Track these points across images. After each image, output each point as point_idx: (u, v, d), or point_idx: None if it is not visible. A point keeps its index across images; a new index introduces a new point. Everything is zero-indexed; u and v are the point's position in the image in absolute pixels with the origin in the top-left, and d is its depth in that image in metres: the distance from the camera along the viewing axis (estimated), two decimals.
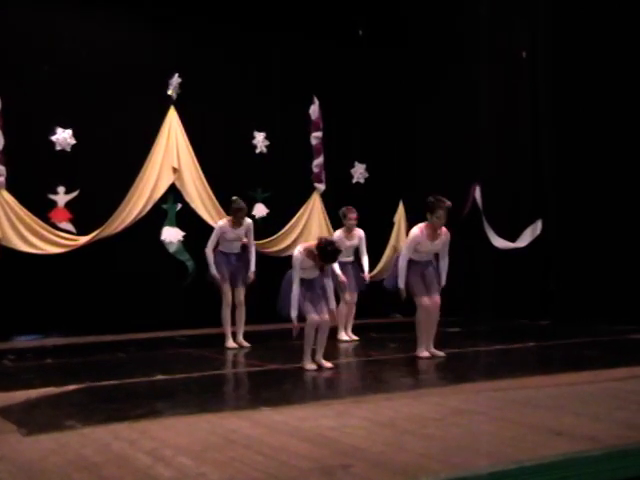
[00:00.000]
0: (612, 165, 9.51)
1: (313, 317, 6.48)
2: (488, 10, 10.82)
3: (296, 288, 6.38)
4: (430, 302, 7.06)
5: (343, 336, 8.76)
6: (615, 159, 9.47)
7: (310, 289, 6.52)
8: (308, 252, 6.40)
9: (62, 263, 9.67)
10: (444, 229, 7.07)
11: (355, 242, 8.72)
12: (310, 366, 6.53)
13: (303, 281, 6.46)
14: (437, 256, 7.25)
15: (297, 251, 6.48)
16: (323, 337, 6.57)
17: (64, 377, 6.26)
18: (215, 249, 8.39)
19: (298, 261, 6.39)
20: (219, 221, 8.73)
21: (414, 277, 7.02)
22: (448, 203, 6.86)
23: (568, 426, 4.09)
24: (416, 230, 7.04)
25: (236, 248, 8.43)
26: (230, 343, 8.36)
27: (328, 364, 6.59)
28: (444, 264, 7.17)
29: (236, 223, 8.36)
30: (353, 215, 8.68)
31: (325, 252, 6.28)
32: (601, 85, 9.57)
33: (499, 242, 10.69)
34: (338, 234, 8.63)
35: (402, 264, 6.99)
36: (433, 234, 6.99)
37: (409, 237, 7.13)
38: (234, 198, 8.49)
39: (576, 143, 9.83)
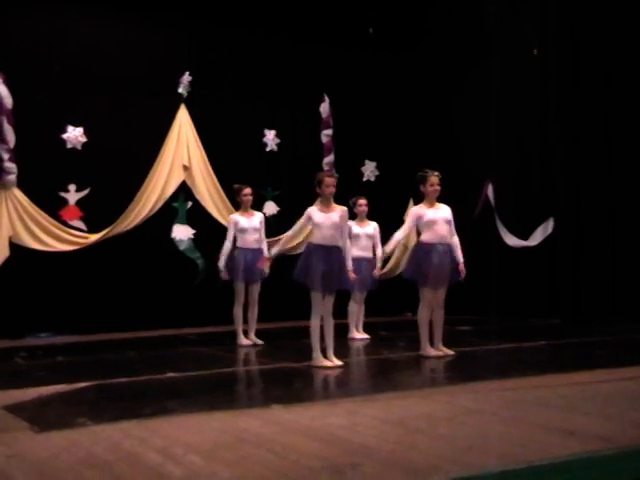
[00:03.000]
0: (624, 163, 9.47)
1: (316, 295, 6.41)
2: (499, 10, 10.79)
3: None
4: (433, 297, 7.02)
5: (355, 334, 8.74)
6: (627, 157, 9.44)
7: (327, 262, 6.39)
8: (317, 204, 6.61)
9: (73, 261, 9.71)
10: (444, 205, 7.08)
11: (370, 231, 8.69)
12: (325, 362, 6.47)
13: (321, 248, 6.41)
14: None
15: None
16: (329, 330, 6.48)
17: (75, 375, 6.28)
18: (234, 246, 8.36)
19: (307, 216, 6.52)
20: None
21: (427, 266, 6.91)
22: (436, 172, 7.05)
23: (580, 426, 4.06)
24: (414, 207, 7.30)
25: (253, 243, 8.40)
26: (242, 340, 8.36)
27: (338, 362, 6.55)
28: (455, 241, 7.13)
29: (245, 212, 8.37)
30: (362, 201, 8.72)
31: (318, 176, 6.56)
32: (613, 84, 9.53)
33: (511, 240, 10.65)
34: (351, 223, 8.62)
35: (398, 236, 7.05)
36: (432, 205, 7.04)
37: (409, 213, 7.25)
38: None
39: (588, 142, 9.77)
